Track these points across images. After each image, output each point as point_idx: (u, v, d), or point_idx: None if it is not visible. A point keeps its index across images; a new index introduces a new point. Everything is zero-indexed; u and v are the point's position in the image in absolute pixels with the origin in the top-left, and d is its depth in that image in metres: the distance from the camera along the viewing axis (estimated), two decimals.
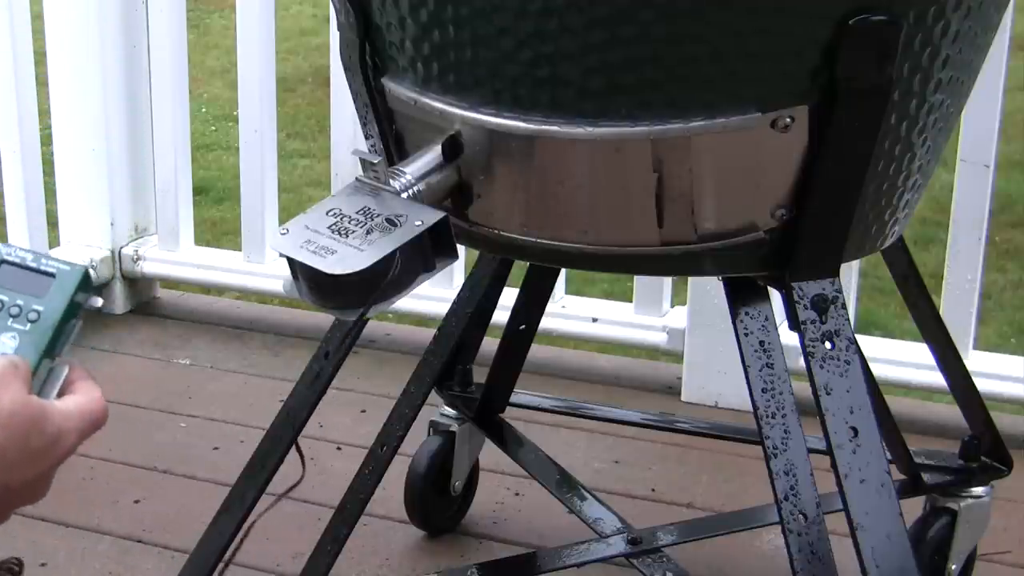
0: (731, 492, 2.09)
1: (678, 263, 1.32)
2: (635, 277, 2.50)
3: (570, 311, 2.52)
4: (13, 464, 0.92)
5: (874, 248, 1.37)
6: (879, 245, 1.37)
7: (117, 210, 2.76)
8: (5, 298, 0.99)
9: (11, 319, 0.98)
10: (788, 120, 1.20)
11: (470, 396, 1.89)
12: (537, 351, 2.09)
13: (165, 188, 2.73)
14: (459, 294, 1.72)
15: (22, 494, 0.95)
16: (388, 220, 1.21)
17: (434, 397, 1.81)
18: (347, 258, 1.18)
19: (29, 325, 0.98)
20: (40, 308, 0.99)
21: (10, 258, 1.01)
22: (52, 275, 1.00)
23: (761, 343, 1.31)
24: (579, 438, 2.24)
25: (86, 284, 1.02)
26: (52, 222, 2.76)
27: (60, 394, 0.99)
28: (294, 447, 1.32)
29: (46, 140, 2.74)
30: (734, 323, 1.33)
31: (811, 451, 1.30)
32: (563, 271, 2.35)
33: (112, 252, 2.76)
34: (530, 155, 1.25)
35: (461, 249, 1.67)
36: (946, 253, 2.25)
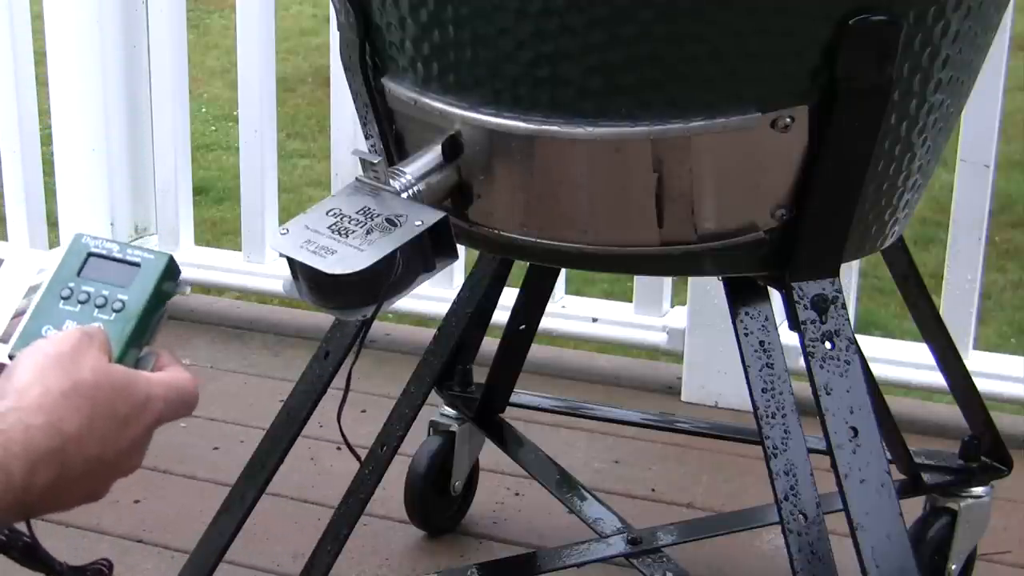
0: (731, 492, 2.09)
1: (678, 263, 1.32)
2: (635, 277, 2.50)
3: (570, 311, 2.52)
4: (105, 434, 0.93)
5: (874, 248, 1.37)
6: (879, 245, 1.37)
7: (117, 210, 2.76)
8: (91, 289, 1.01)
9: (97, 309, 1.00)
10: (788, 120, 1.20)
11: (470, 396, 1.89)
12: (537, 351, 2.09)
13: (165, 188, 2.73)
14: (459, 294, 1.72)
15: (118, 464, 0.95)
16: (388, 220, 1.21)
17: (434, 397, 1.81)
18: (347, 258, 1.18)
19: (114, 315, 1.00)
20: (125, 297, 1.01)
21: (97, 250, 1.03)
22: (137, 264, 1.02)
23: (761, 343, 1.31)
24: (579, 438, 2.24)
25: (171, 272, 1.03)
26: (52, 222, 2.76)
27: None
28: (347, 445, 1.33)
29: (46, 140, 2.74)
30: (734, 323, 1.33)
31: (811, 451, 1.30)
32: (563, 271, 2.35)
33: None
34: (530, 155, 1.25)
35: (461, 249, 1.67)
36: (946, 253, 2.25)
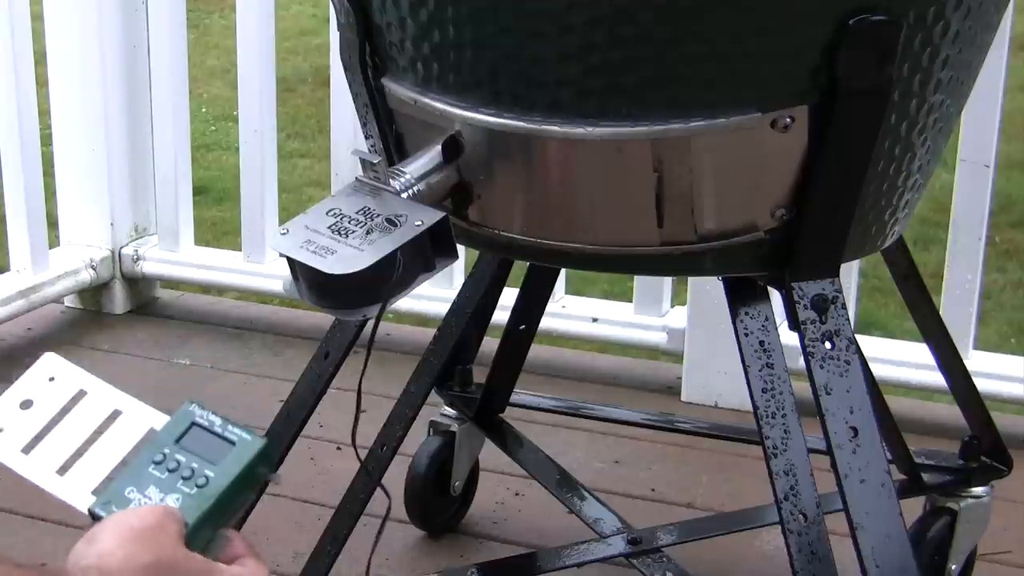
0: (731, 492, 2.09)
1: (678, 263, 1.32)
2: (635, 277, 2.50)
3: (570, 311, 2.52)
4: None
5: (874, 248, 1.37)
6: (879, 245, 1.37)
7: (117, 210, 2.76)
8: (183, 459, 1.00)
9: (181, 480, 0.99)
10: (788, 120, 1.20)
11: (470, 396, 1.89)
12: (537, 351, 2.09)
13: (165, 188, 2.73)
14: (459, 294, 1.72)
15: None
16: (388, 220, 1.21)
17: (434, 397, 1.81)
18: (347, 258, 1.18)
19: (196, 490, 0.99)
20: (211, 475, 0.99)
21: (200, 421, 1.03)
22: (232, 443, 1.01)
23: (761, 343, 1.31)
24: (579, 438, 2.24)
25: (265, 457, 1.02)
26: (52, 222, 2.76)
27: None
28: (381, 488, 1.33)
29: (46, 140, 2.74)
30: (734, 323, 1.33)
31: (811, 451, 1.30)
32: (563, 271, 2.35)
33: (112, 252, 2.76)
34: (530, 155, 1.25)
35: (461, 249, 1.67)
36: (946, 253, 2.25)
